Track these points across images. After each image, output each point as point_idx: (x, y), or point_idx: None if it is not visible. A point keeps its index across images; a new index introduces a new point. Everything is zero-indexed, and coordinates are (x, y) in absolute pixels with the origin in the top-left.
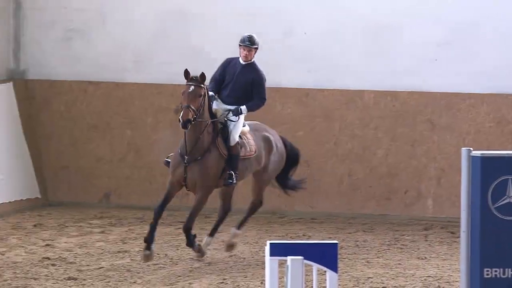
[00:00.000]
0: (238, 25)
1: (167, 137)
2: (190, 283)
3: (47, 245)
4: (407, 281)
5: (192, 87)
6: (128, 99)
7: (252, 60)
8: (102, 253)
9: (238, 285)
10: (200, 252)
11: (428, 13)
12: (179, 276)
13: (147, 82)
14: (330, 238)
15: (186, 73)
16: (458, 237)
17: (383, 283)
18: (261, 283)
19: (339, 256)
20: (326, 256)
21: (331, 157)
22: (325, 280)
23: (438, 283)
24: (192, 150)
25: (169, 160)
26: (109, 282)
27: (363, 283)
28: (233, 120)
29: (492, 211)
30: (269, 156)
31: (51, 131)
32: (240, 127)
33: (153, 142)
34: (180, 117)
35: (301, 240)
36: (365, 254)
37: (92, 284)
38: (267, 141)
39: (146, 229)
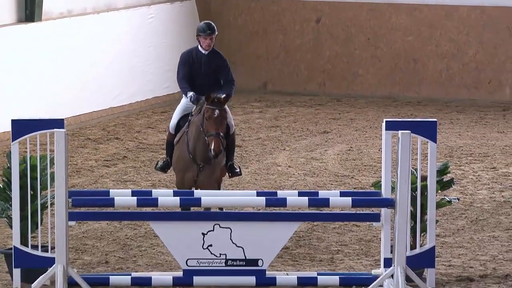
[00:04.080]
0: None
1: (310, 42)
2: (325, 150)
3: None
4: (489, 149)
5: (217, 111)
6: (281, 12)
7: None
8: (260, 127)
9: (362, 152)
10: None
11: None
12: (317, 145)
13: None
14: (431, 117)
15: (208, 96)
16: None
17: (471, 151)
18: (379, 150)
19: (437, 131)
20: (428, 131)
21: (433, 56)
22: (427, 148)
23: None
24: (207, 155)
25: (162, 165)
26: (265, 148)
27: (456, 151)
28: None
29: None
30: None
31: (222, 36)
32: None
33: (299, 44)
34: (212, 149)
35: (409, 118)
36: (457, 129)
37: (252, 150)
38: None
39: (293, 110)
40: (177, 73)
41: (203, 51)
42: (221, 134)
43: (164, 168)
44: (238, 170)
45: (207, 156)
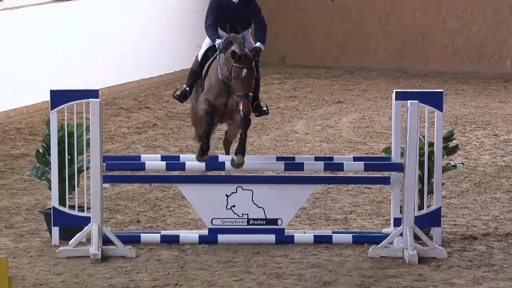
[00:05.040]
0: None
1: (326, 19)
2: (340, 118)
3: None
4: (491, 118)
5: (245, 70)
6: None
7: None
8: (279, 98)
9: (373, 120)
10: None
11: None
12: (332, 113)
13: None
14: (438, 88)
15: (234, 52)
16: None
17: (474, 119)
18: (389, 118)
19: (443, 100)
20: (434, 100)
21: (440, 31)
22: (434, 116)
23: None
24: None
25: (179, 94)
26: (284, 117)
27: (460, 119)
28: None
29: None
30: None
31: None
32: None
33: (316, 22)
34: (241, 110)
35: (418, 89)
36: (462, 99)
37: (272, 118)
38: None
39: (310, 82)
40: (205, 20)
41: (234, 0)
42: (250, 94)
43: (182, 97)
44: (265, 108)
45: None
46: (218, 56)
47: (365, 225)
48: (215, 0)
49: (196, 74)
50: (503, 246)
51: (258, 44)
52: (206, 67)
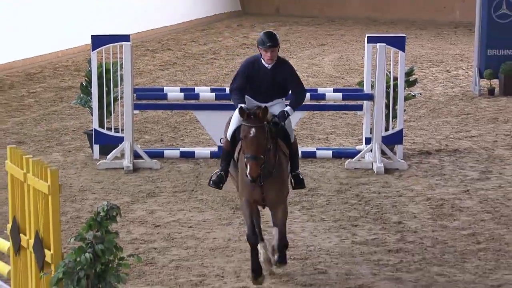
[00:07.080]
0: None
1: None
2: (322, 58)
3: (244, 36)
4: (444, 57)
5: (253, 129)
6: None
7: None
8: None
9: (349, 59)
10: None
11: None
12: (317, 54)
13: None
14: (401, 33)
15: (241, 110)
16: (473, 32)
17: (430, 58)
18: (362, 58)
19: (406, 43)
20: (398, 43)
21: None
22: (398, 56)
23: (461, 58)
24: (263, 170)
25: (215, 180)
26: None
27: (419, 58)
28: (285, 124)
29: (493, 18)
30: None
31: None
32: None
33: None
34: (247, 173)
35: (385, 34)
36: (420, 42)
37: None
38: None
39: (299, 29)
40: (232, 81)
41: (266, 65)
42: (260, 156)
43: (218, 184)
44: (302, 180)
45: (263, 172)
46: None
47: (342, 143)
48: (247, 63)
49: (229, 155)
50: (452, 159)
51: (287, 108)
52: (237, 151)
